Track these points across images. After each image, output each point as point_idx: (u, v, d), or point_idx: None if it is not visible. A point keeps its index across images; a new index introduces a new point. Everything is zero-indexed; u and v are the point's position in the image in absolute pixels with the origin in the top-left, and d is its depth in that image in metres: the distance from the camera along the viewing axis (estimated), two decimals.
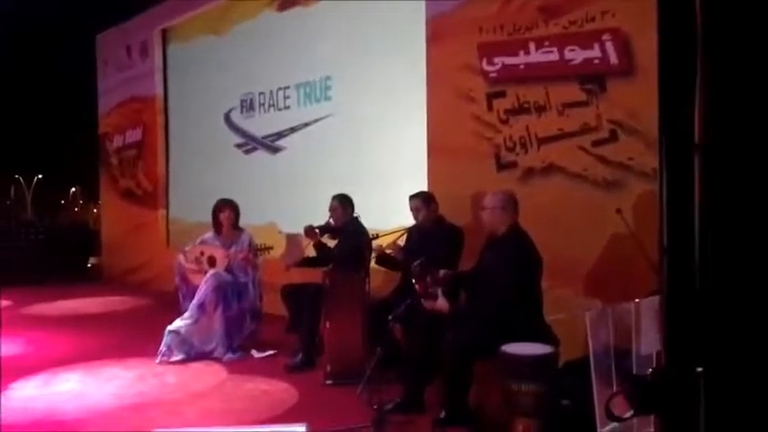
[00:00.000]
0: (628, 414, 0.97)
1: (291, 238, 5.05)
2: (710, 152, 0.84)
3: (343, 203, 4.89)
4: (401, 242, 4.46)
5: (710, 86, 0.87)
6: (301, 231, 4.98)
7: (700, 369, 0.79)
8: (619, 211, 3.46)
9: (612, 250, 3.96)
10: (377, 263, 4.56)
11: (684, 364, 0.78)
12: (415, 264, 3.60)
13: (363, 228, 4.84)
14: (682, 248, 0.80)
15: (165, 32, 9.30)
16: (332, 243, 5.07)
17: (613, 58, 4.07)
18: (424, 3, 5.29)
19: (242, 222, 5.37)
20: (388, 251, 4.38)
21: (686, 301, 0.79)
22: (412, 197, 4.46)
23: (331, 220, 4.91)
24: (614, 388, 2.58)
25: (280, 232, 6.55)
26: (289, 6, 7.11)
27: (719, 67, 0.87)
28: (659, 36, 0.86)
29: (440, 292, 3.53)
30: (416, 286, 3.57)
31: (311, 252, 5.11)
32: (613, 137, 4.08)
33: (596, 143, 4.15)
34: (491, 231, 3.59)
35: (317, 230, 4.89)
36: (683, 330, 0.80)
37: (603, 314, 2.68)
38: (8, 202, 30.26)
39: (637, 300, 2.68)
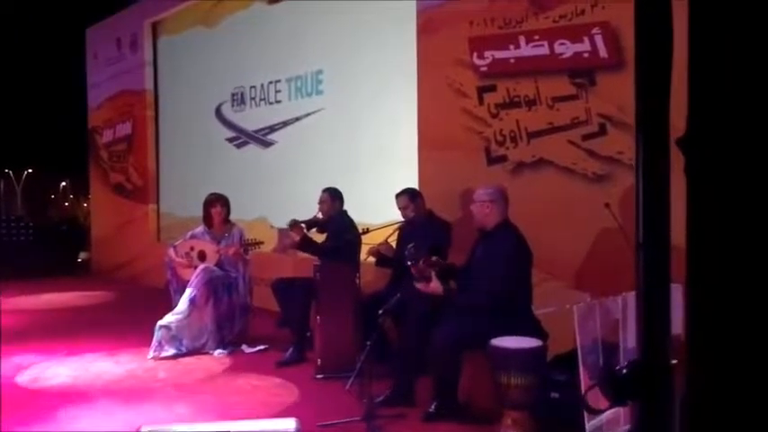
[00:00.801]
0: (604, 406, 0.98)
1: (284, 232, 5.01)
2: (690, 145, 0.85)
3: (332, 196, 4.86)
4: (392, 240, 4.48)
5: (691, 81, 0.88)
6: None
7: (674, 362, 0.80)
8: (607, 205, 3.47)
9: (602, 244, 3.98)
10: (377, 264, 4.56)
11: (659, 357, 0.80)
12: (410, 246, 3.63)
13: (352, 222, 4.82)
14: (657, 242, 0.81)
15: (155, 25, 9.24)
16: (318, 237, 5.01)
17: (603, 52, 4.07)
18: None
19: (233, 217, 5.35)
20: (381, 250, 4.40)
21: (661, 295, 0.80)
22: (398, 195, 4.47)
23: (318, 214, 4.86)
24: None
25: (271, 227, 6.55)
26: None
27: (700, 62, 0.88)
28: (636, 30, 0.87)
29: (433, 274, 3.55)
30: (411, 269, 3.60)
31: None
32: (603, 131, 4.09)
33: (586, 137, 4.17)
34: (481, 225, 3.60)
35: (302, 225, 4.76)
36: (658, 324, 0.81)
37: (591, 308, 2.70)
38: None
39: (624, 293, 2.70)
